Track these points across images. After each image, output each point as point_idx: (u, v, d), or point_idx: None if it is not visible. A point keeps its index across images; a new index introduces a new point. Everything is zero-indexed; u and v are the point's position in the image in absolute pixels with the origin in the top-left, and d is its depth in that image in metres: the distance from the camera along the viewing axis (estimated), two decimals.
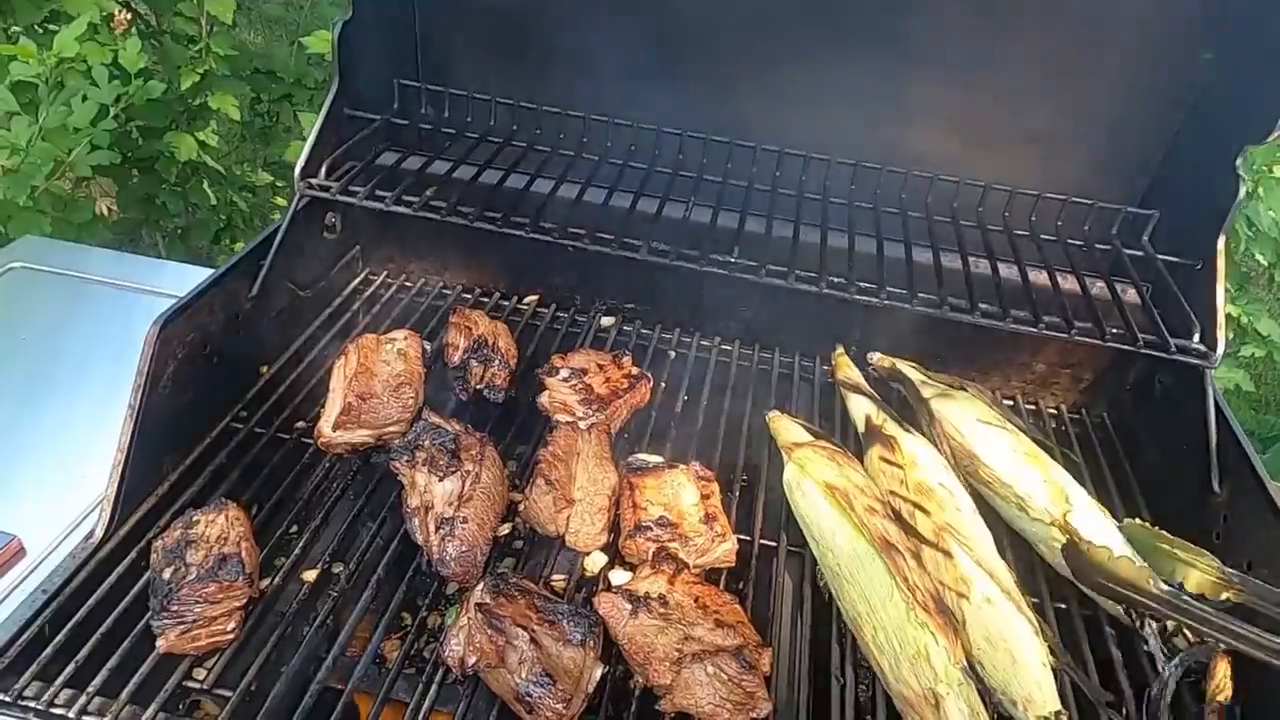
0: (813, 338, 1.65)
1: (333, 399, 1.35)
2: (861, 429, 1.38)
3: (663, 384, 1.56)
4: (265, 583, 1.14)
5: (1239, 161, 1.40)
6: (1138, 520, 1.22)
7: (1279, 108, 1.31)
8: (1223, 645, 1.05)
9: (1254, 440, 3.31)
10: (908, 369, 1.51)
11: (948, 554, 1.18)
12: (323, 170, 1.46)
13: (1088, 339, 1.28)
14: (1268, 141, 1.35)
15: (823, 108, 1.62)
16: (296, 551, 1.19)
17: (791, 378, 1.63)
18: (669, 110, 1.64)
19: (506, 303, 1.75)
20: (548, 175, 1.53)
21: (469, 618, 1.04)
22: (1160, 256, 1.48)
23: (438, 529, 1.16)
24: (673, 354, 1.66)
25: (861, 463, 1.33)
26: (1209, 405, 1.29)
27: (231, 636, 1.06)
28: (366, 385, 1.35)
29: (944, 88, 1.58)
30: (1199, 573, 1.11)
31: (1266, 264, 2.50)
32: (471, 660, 1.02)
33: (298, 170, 1.47)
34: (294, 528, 1.27)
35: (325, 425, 1.32)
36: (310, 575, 1.17)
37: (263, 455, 1.33)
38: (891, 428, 1.33)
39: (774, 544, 1.28)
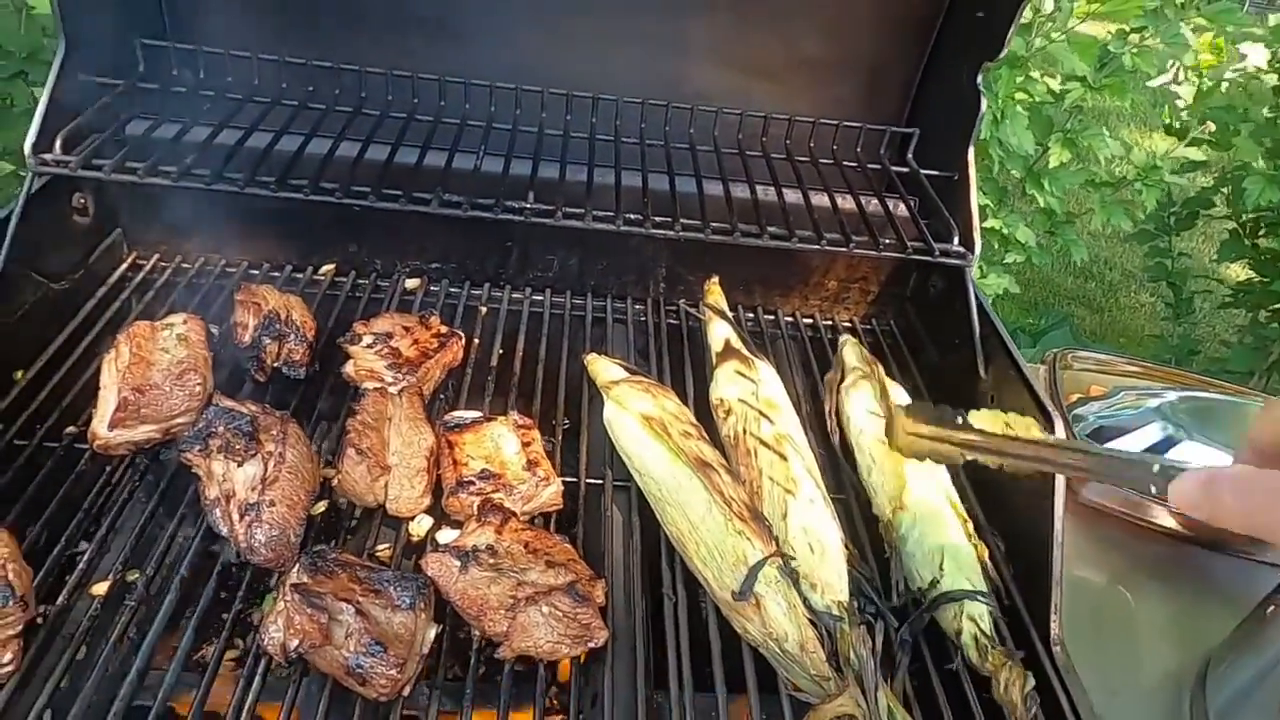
0: (623, 279, 1.68)
1: (105, 396, 1.22)
2: (718, 349, 1.44)
3: (476, 340, 1.53)
4: (46, 607, 1.03)
5: (979, 80, 1.53)
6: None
7: (1005, 28, 1.45)
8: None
9: (1026, 335, 3.74)
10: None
11: (783, 457, 1.25)
12: (58, 144, 1.30)
13: (865, 251, 1.39)
14: (999, 59, 1.49)
15: (607, 49, 1.63)
16: (81, 566, 1.08)
17: (605, 321, 1.65)
18: (451, 60, 1.58)
19: (300, 275, 1.64)
20: (325, 134, 1.44)
21: (286, 601, 0.99)
22: (923, 171, 1.61)
23: (242, 516, 1.08)
24: (484, 309, 1.63)
25: (682, 394, 1.38)
26: (971, 300, 1.43)
27: (10, 669, 0.95)
28: (144, 376, 1.23)
29: (721, 22, 1.64)
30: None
31: (1019, 178, 2.80)
32: (294, 644, 0.97)
33: (28, 146, 1.29)
34: (82, 543, 1.15)
35: (99, 426, 1.19)
36: (100, 589, 1.06)
37: (27, 470, 1.18)
38: (748, 351, 1.42)
39: (600, 481, 1.30)
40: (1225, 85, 2.79)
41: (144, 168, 1.27)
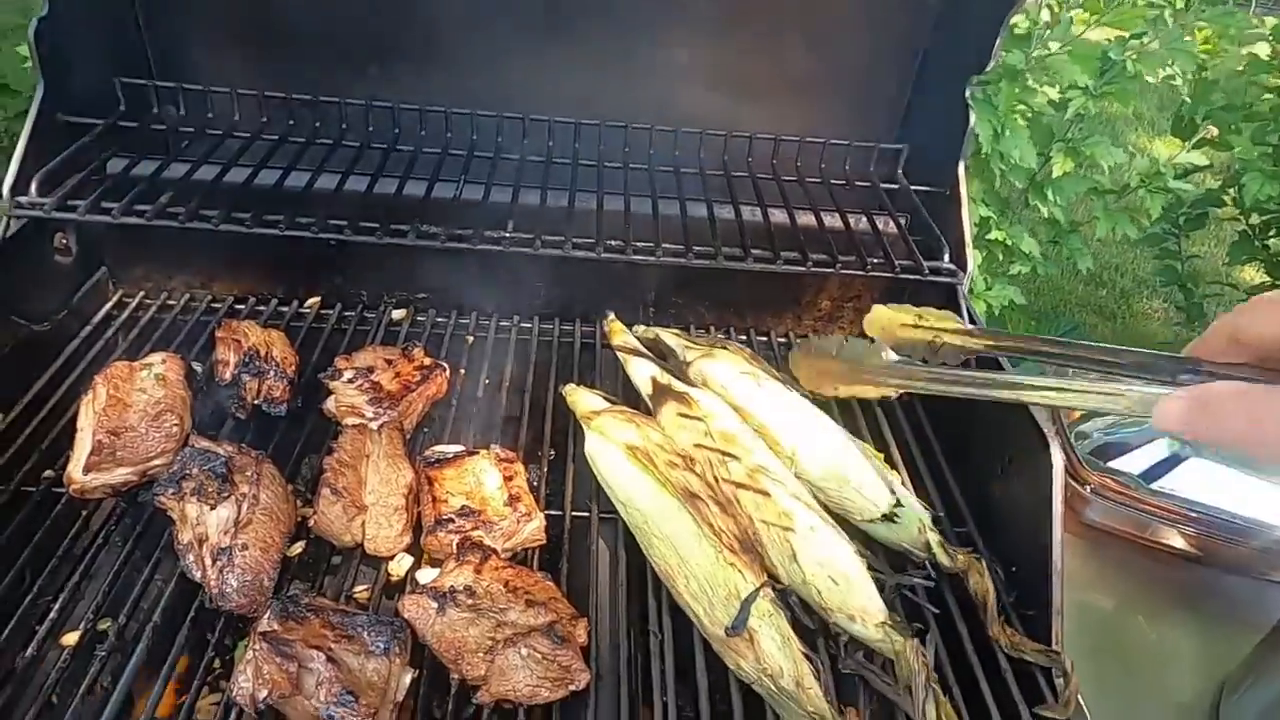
0: (611, 304, 1.65)
1: (81, 439, 1.20)
2: (647, 391, 1.39)
3: (462, 371, 1.51)
4: (18, 656, 1.01)
5: (968, 93, 1.50)
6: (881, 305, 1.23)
7: (991, 41, 1.42)
8: (950, 393, 1.08)
9: None
10: (669, 337, 1.53)
11: (765, 493, 1.20)
12: (33, 186, 1.29)
13: (852, 271, 1.35)
14: (987, 71, 1.46)
15: (589, 73, 1.62)
16: (53, 615, 1.06)
17: (594, 347, 1.62)
18: (432, 88, 1.58)
19: (286, 309, 1.63)
20: (304, 168, 1.43)
21: (255, 650, 0.96)
22: (914, 188, 1.58)
23: (215, 561, 1.06)
24: (470, 339, 1.61)
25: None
26: (964, 318, 1.39)
27: None
28: (120, 418, 1.21)
29: (704, 44, 1.62)
30: (950, 335, 1.10)
31: (1022, 188, 2.75)
32: (263, 694, 0.94)
33: (5, 189, 1.30)
34: (60, 590, 1.13)
35: (75, 469, 1.18)
36: (71, 638, 1.04)
37: (3, 515, 1.17)
38: (680, 385, 1.35)
39: (586, 514, 1.27)
40: (1221, 82, 2.74)
41: (119, 207, 1.26)
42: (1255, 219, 2.96)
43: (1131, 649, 1.35)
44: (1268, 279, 3.11)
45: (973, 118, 1.49)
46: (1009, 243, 2.76)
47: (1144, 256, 4.71)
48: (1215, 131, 2.62)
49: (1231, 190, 2.95)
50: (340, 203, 1.37)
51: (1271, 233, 3.00)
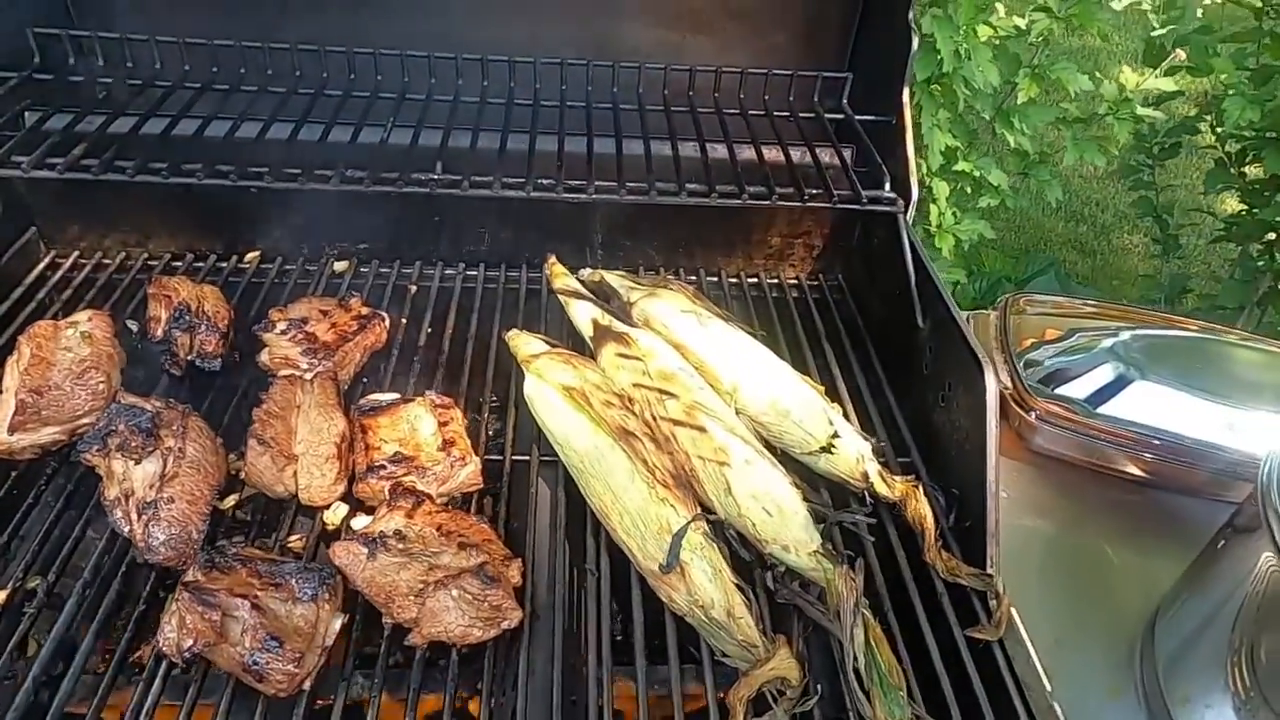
0: (556, 249, 1.62)
1: (5, 400, 1.18)
2: (589, 333, 1.37)
3: (404, 320, 1.49)
4: None
5: (910, 15, 1.46)
6: None
7: None
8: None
9: (1010, 283, 3.65)
10: (613, 278, 1.52)
11: (701, 429, 1.20)
12: None
13: (789, 203, 1.33)
14: None
15: (526, 9, 1.57)
16: None
17: (539, 293, 1.59)
18: (361, 30, 1.52)
19: (224, 265, 1.60)
20: (226, 116, 1.39)
21: (178, 601, 0.96)
22: (859, 117, 1.55)
23: (141, 515, 1.05)
24: (414, 288, 1.59)
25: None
26: (905, 248, 1.37)
27: None
28: (44, 377, 1.20)
29: None
30: None
31: (988, 118, 2.70)
32: (188, 644, 0.94)
33: None
34: None
35: None
36: None
37: None
38: (620, 326, 1.34)
39: (526, 458, 1.26)
40: (1200, 10, 2.68)
41: (29, 161, 1.22)
42: (1231, 146, 2.91)
43: (1078, 572, 1.35)
44: (1244, 207, 3.07)
45: (915, 41, 1.45)
46: (977, 174, 2.71)
47: (1124, 190, 4.65)
48: (1183, 55, 2.55)
49: (1208, 117, 2.89)
50: (264, 150, 1.33)
51: (1248, 159, 2.95)
